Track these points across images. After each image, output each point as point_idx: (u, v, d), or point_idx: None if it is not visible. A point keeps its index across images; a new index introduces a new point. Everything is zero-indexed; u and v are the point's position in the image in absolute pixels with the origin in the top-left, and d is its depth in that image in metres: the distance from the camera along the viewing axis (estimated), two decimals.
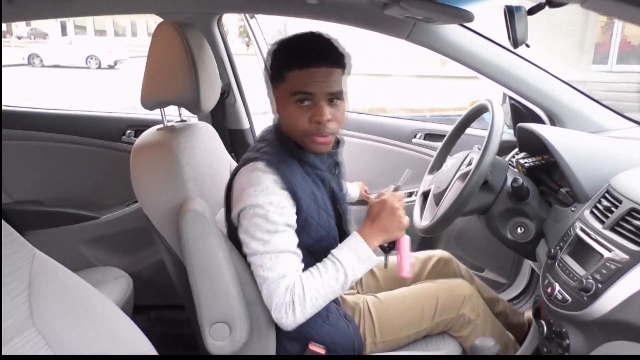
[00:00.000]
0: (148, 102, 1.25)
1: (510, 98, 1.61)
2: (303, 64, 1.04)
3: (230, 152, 1.55)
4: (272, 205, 1.05)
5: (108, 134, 1.97)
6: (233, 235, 1.16)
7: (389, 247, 1.15)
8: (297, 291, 1.06)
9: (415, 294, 1.32)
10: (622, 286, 0.86)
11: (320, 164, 1.19)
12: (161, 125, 1.31)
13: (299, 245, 1.10)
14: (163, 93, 1.23)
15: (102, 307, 0.89)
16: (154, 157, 1.19)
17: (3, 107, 1.97)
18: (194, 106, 1.22)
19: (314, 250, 1.15)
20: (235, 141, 1.83)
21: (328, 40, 1.08)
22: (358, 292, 1.43)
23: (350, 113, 1.99)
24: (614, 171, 1.11)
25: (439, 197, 1.31)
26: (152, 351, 0.93)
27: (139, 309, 1.73)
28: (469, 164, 1.28)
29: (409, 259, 1.11)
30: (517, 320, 1.46)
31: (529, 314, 1.46)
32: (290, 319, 1.07)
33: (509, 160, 1.42)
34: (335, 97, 1.08)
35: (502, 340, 1.30)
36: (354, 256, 1.09)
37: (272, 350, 1.20)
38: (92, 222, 1.93)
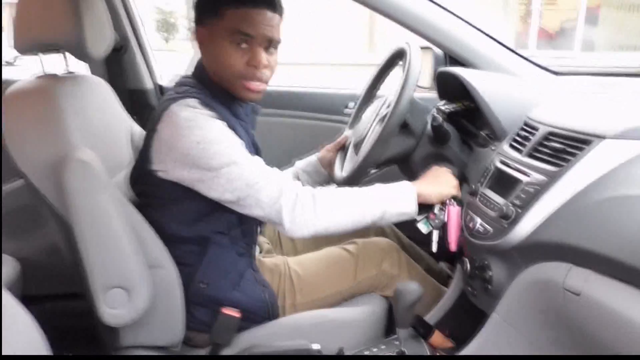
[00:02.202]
0: (22, 43, 1.11)
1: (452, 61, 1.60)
2: (247, 1, 1.01)
3: (131, 115, 1.45)
4: (221, 131, 1.02)
5: None
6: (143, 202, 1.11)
7: (437, 219, 1.15)
8: (306, 190, 1.06)
9: (334, 254, 1.30)
10: (540, 208, 0.87)
11: (245, 117, 1.16)
12: (41, 73, 1.18)
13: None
14: (39, 32, 1.10)
15: None
16: (30, 104, 1.06)
17: None
18: (78, 49, 1.11)
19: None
20: (136, 103, 1.71)
21: None
22: (277, 254, 1.39)
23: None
24: (531, 108, 1.14)
25: (358, 146, 1.29)
26: (39, 340, 0.82)
27: (31, 300, 1.56)
28: (388, 106, 1.27)
29: (457, 231, 1.13)
30: (438, 268, 1.48)
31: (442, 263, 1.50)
32: (308, 215, 1.04)
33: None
34: (273, 44, 1.07)
35: (432, 289, 1.31)
36: (393, 191, 1.11)
37: (179, 318, 1.13)
38: None
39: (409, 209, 1.11)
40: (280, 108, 1.84)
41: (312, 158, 1.46)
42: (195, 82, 1.11)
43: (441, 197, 1.15)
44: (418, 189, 1.12)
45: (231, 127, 1.06)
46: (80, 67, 1.30)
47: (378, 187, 1.13)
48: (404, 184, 1.14)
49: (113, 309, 1.04)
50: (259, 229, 1.26)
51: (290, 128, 1.86)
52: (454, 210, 1.14)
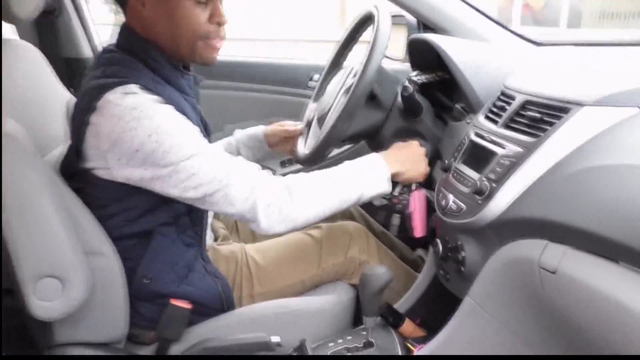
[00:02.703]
0: None
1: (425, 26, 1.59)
2: None
3: (67, 86, 1.40)
4: (175, 118, 0.98)
5: None
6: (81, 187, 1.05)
7: (399, 203, 1.21)
8: (279, 181, 1.04)
9: (297, 240, 1.29)
10: (516, 181, 0.86)
11: (189, 90, 1.12)
12: None
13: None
14: None
15: None
16: None
17: None
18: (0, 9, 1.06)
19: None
20: (73, 73, 1.65)
21: None
22: (234, 241, 1.37)
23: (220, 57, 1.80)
24: (507, 77, 1.15)
25: (322, 120, 1.27)
26: None
27: None
28: (354, 75, 1.26)
29: (423, 216, 1.17)
30: (412, 256, 1.49)
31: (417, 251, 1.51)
32: (286, 210, 1.03)
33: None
34: None
35: (405, 276, 1.32)
36: (368, 171, 1.11)
37: (122, 311, 1.10)
38: None
39: (384, 188, 1.13)
40: (237, 80, 1.78)
41: (257, 131, 1.42)
42: (127, 56, 1.04)
43: (408, 182, 1.18)
44: (391, 167, 1.13)
45: (180, 110, 1.02)
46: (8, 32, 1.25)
47: (351, 166, 1.12)
48: (377, 162, 1.14)
49: (45, 301, 1.00)
50: (210, 215, 1.24)
51: (248, 103, 1.82)
52: (418, 195, 1.17)
